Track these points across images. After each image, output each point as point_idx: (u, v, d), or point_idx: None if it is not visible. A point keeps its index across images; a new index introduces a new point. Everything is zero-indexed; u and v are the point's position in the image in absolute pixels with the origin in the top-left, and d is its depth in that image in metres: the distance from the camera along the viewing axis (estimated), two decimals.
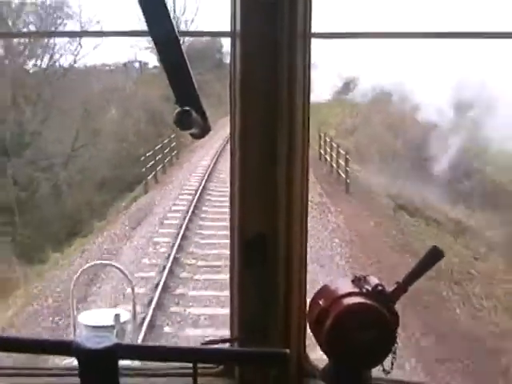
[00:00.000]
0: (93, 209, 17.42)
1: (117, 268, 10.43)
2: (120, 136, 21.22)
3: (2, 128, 17.09)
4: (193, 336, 12.32)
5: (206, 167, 24.49)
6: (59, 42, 22.98)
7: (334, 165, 26.26)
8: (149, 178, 21.74)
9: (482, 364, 12.11)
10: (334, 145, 26.75)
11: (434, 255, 2.46)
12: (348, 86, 35.38)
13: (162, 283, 13.94)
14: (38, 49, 21.76)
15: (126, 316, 7.14)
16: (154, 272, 14.81)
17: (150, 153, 21.69)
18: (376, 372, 2.58)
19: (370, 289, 2.45)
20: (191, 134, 2.56)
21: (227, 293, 3.12)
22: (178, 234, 16.90)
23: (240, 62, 2.85)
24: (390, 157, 27.02)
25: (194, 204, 19.37)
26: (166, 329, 12.52)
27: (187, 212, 18.69)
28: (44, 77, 19.50)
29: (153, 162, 22.35)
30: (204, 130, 2.47)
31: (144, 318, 11.71)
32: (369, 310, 2.40)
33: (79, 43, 23.41)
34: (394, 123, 28.89)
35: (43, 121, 17.71)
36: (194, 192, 20.81)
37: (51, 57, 22.37)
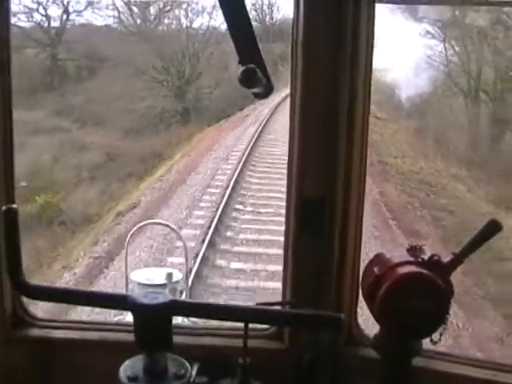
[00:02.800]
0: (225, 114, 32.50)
1: (170, 228, 10.54)
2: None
3: (183, 68, 32.09)
4: None
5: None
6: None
7: None
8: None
9: None
10: None
11: (492, 228, 2.42)
12: None
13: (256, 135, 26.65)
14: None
15: (177, 275, 7.25)
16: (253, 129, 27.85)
17: None
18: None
19: (425, 258, 2.44)
20: (255, 94, 2.57)
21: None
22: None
23: (303, 23, 2.79)
24: None
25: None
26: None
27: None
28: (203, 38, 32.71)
29: None
30: (267, 90, 2.48)
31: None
32: (424, 279, 2.39)
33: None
34: None
35: (203, 66, 32.47)
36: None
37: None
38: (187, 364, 2.41)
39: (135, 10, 32.57)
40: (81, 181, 23.32)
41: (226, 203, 16.82)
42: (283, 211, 3.10)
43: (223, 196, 17.41)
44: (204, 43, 32.46)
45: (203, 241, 14.57)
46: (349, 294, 2.98)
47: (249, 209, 17.53)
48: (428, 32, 27.84)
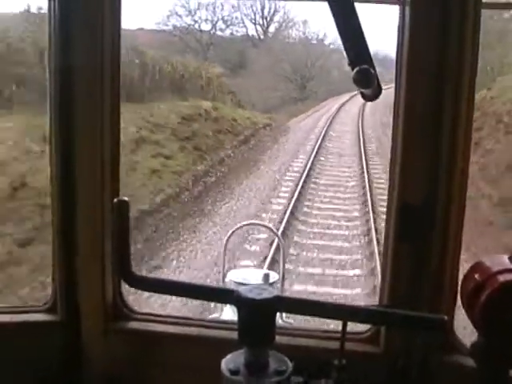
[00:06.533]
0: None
1: (268, 228, 10.61)
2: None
3: (304, 72, 46.89)
4: None
5: None
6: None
7: None
8: None
9: None
10: None
11: None
12: None
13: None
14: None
15: (274, 277, 7.25)
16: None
17: None
18: None
19: None
20: (364, 95, 2.64)
21: None
22: None
23: (408, 30, 2.82)
24: None
25: None
26: None
27: None
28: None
29: None
30: (377, 92, 2.55)
31: None
32: None
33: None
34: None
35: (316, 71, 46.85)
36: None
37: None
38: (288, 361, 2.43)
39: (258, 28, 47.14)
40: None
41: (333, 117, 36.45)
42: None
43: (329, 119, 35.67)
44: (318, 56, 46.34)
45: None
46: (446, 301, 2.98)
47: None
48: None
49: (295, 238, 15.50)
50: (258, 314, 2.34)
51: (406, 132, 2.90)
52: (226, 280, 7.10)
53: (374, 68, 2.41)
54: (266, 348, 2.39)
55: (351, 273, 14.46)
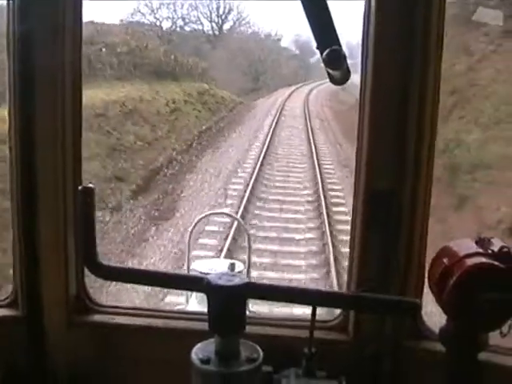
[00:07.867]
0: None
1: (235, 218, 6.90)
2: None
3: (258, 66, 29.98)
4: None
5: None
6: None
7: None
8: None
9: None
10: None
11: None
12: None
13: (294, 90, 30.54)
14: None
15: (240, 266, 3.85)
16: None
17: None
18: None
19: (495, 250, 1.29)
20: (332, 78, 1.48)
21: None
22: None
23: (374, 19, 1.51)
24: None
25: None
26: None
27: None
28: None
29: None
30: (346, 76, 1.45)
31: None
32: (494, 270, 1.27)
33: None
34: None
35: (268, 65, 30.51)
36: None
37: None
38: (259, 349, 1.33)
39: (214, 25, 30.57)
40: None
41: (286, 99, 25.75)
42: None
43: (283, 100, 25.34)
44: (270, 52, 31.17)
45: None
46: (414, 287, 1.66)
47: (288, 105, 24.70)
48: None
49: (276, 139, 16.94)
50: (228, 301, 1.27)
51: (372, 120, 1.59)
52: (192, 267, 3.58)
53: (342, 50, 1.34)
54: (237, 336, 1.31)
55: (302, 145, 15.88)
